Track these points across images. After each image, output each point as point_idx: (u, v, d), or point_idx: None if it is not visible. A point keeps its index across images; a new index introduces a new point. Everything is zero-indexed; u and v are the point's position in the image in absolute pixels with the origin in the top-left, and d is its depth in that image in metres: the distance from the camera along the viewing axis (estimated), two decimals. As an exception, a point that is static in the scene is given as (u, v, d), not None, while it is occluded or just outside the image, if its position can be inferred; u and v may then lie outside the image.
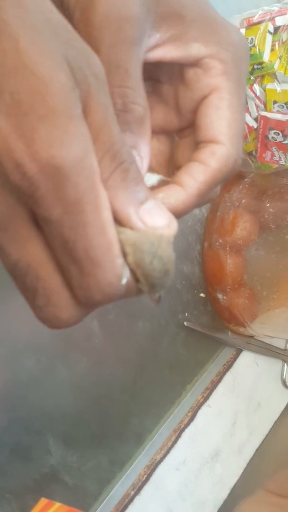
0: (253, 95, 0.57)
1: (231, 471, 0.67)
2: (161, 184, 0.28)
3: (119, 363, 0.58)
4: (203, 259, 0.66)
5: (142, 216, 0.24)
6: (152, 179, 0.29)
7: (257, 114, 0.58)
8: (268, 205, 0.64)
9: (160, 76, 0.31)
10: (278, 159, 0.61)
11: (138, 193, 0.24)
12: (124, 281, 0.23)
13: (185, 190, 0.27)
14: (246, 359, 0.70)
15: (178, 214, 0.27)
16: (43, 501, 0.40)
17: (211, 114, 0.28)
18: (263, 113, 0.58)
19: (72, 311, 0.24)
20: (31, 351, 0.50)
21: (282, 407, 0.73)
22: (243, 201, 0.65)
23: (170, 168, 0.32)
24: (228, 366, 0.69)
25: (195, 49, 0.27)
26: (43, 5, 0.21)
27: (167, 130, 0.32)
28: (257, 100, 0.57)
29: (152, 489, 0.59)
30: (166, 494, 0.61)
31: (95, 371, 0.56)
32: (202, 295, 0.67)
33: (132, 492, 0.58)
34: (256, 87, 0.56)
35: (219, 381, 0.67)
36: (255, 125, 0.59)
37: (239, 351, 0.70)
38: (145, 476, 0.59)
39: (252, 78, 0.56)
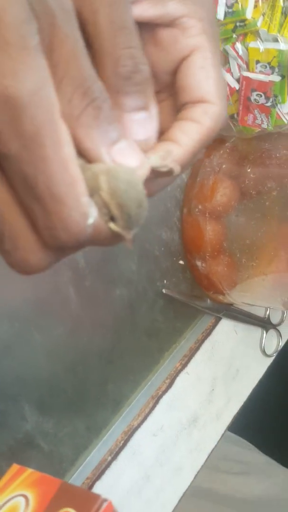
0: (235, 54, 0.55)
1: (208, 437, 0.67)
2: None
3: (96, 330, 0.57)
4: (182, 226, 0.65)
5: (113, 156, 0.23)
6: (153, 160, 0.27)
7: (239, 74, 0.57)
8: (249, 170, 0.63)
9: None
10: (260, 123, 0.60)
11: (110, 133, 0.23)
12: (90, 220, 0.23)
13: (181, 147, 0.27)
14: (225, 327, 0.70)
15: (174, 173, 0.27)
16: (14, 467, 0.39)
17: (197, 74, 0.27)
18: (246, 74, 0.56)
19: (40, 255, 0.23)
20: (4, 316, 0.49)
21: (260, 374, 0.73)
22: (224, 166, 0.64)
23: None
24: (207, 333, 0.69)
25: (172, 7, 0.26)
26: None
27: None
28: (239, 60, 0.56)
29: (129, 455, 0.59)
30: (144, 459, 0.61)
31: (72, 338, 0.55)
32: (181, 262, 0.66)
33: (109, 458, 0.58)
34: (239, 45, 0.55)
35: (197, 348, 0.67)
36: (237, 86, 0.57)
37: (218, 319, 0.70)
38: (122, 442, 0.59)
39: (234, 36, 0.54)
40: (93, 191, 0.23)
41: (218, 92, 0.27)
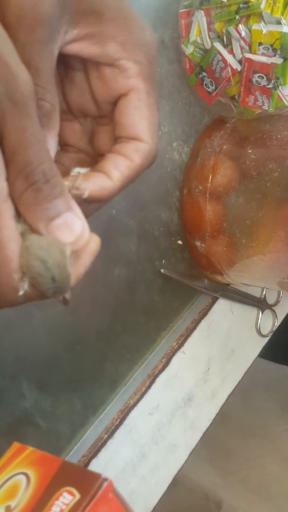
0: (238, 36, 0.54)
1: (203, 416, 0.68)
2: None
3: (94, 309, 0.57)
4: (182, 206, 0.65)
5: (51, 232, 0.26)
6: (82, 171, 0.31)
7: (241, 56, 0.56)
8: (250, 151, 0.62)
9: (75, 65, 0.31)
10: (261, 104, 0.59)
11: (49, 210, 0.25)
12: (21, 292, 0.25)
13: (112, 180, 0.29)
14: (222, 307, 0.70)
15: (104, 200, 0.30)
16: (15, 445, 0.40)
17: (132, 114, 0.30)
18: (248, 55, 0.55)
19: None
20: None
21: (255, 354, 0.74)
22: (224, 147, 0.63)
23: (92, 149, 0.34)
24: (204, 313, 0.69)
25: (112, 49, 0.28)
26: None
27: (87, 114, 0.33)
28: (241, 42, 0.55)
29: (125, 433, 0.60)
30: (139, 437, 0.61)
31: (70, 317, 0.55)
32: (179, 242, 0.66)
33: (105, 436, 0.58)
34: (241, 27, 0.54)
35: (194, 328, 0.68)
36: (238, 67, 0.57)
37: (214, 299, 0.70)
38: (118, 420, 0.60)
39: (237, 17, 0.53)
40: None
41: (150, 131, 0.30)
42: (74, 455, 0.56)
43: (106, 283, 0.58)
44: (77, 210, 0.27)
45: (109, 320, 0.59)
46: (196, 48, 0.58)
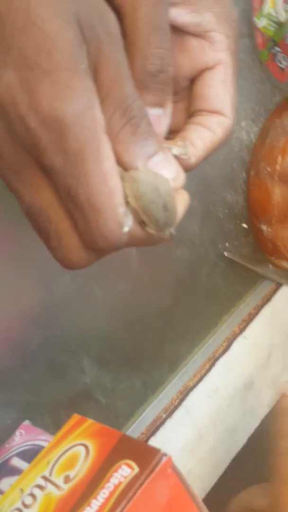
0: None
1: (263, 403, 0.67)
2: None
3: (156, 289, 0.57)
4: (249, 188, 0.64)
5: (150, 169, 0.25)
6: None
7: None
8: None
9: None
10: None
11: (147, 147, 0.25)
12: (126, 229, 0.25)
13: (196, 149, 0.29)
14: (286, 294, 0.69)
15: (187, 170, 0.29)
16: (75, 417, 0.40)
17: (217, 88, 0.29)
18: None
19: (81, 254, 0.26)
20: (67, 272, 0.49)
21: None
22: (295, 127, 0.61)
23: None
24: (267, 299, 0.68)
25: (206, 20, 0.28)
26: None
27: None
28: None
29: (184, 414, 0.60)
30: (198, 419, 0.61)
31: (131, 296, 0.55)
32: (244, 225, 0.65)
33: (164, 415, 0.58)
34: None
35: (256, 314, 0.66)
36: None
37: (279, 286, 0.68)
38: (177, 401, 0.60)
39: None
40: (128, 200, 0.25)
41: (232, 107, 0.30)
42: (132, 433, 0.57)
43: (167, 264, 0.57)
44: (168, 149, 0.27)
45: (170, 301, 0.59)
46: (269, 21, 0.56)
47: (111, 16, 0.23)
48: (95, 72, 0.23)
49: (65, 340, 0.51)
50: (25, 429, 0.47)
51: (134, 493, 0.34)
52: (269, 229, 0.63)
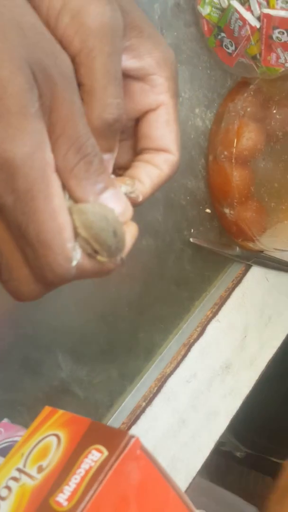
0: (254, -9, 0.53)
1: (243, 383, 0.68)
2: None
3: (124, 280, 0.58)
4: (208, 173, 0.65)
5: (100, 203, 0.26)
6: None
7: (259, 12, 0.55)
8: (274, 111, 0.61)
9: None
10: (284, 62, 0.58)
11: (98, 184, 0.26)
12: (74, 262, 0.25)
13: (144, 186, 0.31)
14: (256, 274, 0.70)
15: (135, 205, 0.30)
16: (47, 409, 0.41)
17: (161, 128, 0.31)
18: (266, 11, 0.54)
19: (31, 287, 0.26)
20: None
21: (294, 320, 0.73)
22: (248, 109, 0.62)
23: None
24: (237, 281, 0.69)
25: (147, 64, 0.30)
26: (15, 10, 0.23)
27: None
28: (258, -3, 0.54)
29: (164, 401, 0.61)
30: (178, 405, 0.62)
31: (100, 289, 0.56)
32: (208, 210, 0.65)
33: (144, 404, 0.59)
34: (257, -19, 0.53)
35: (228, 296, 0.67)
36: (257, 25, 0.55)
37: (248, 267, 0.70)
38: (155, 388, 0.60)
39: (252, -29, 0.52)
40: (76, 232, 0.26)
41: (177, 144, 0.31)
42: (113, 423, 0.57)
43: (134, 254, 0.58)
44: (118, 185, 0.28)
45: (139, 291, 0.59)
46: (213, 8, 0.57)
47: (64, 58, 0.24)
48: (50, 112, 0.24)
49: (38, 337, 0.52)
50: (4, 427, 0.48)
51: (105, 476, 0.34)
52: (232, 212, 0.64)
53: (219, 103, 0.64)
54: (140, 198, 0.31)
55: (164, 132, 0.31)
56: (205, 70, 0.61)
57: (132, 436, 0.36)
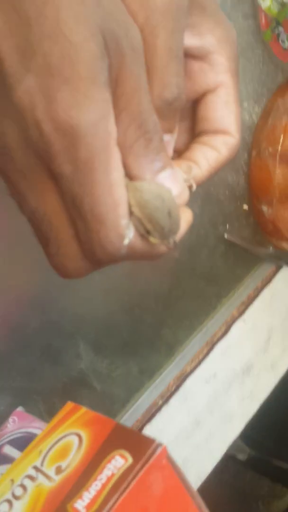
0: None
1: (261, 387, 0.66)
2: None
3: (154, 272, 0.56)
4: (250, 169, 0.62)
5: (157, 182, 0.26)
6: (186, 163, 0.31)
7: None
8: None
9: None
10: None
11: (157, 162, 0.25)
12: (126, 241, 0.25)
13: (200, 169, 0.30)
14: (286, 275, 0.67)
15: (190, 189, 0.30)
16: (69, 404, 0.39)
17: (221, 109, 0.30)
18: None
19: (78, 263, 0.26)
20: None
21: None
22: (299, 106, 0.59)
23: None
24: (267, 281, 0.66)
25: (209, 42, 0.29)
26: None
27: None
28: None
29: (181, 400, 0.59)
30: (195, 405, 0.60)
31: (130, 279, 0.54)
32: (245, 207, 0.63)
33: (160, 402, 0.58)
34: None
35: (256, 296, 0.65)
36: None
37: (279, 267, 0.67)
38: (174, 387, 0.59)
39: None
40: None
41: (238, 125, 0.30)
42: (128, 420, 0.56)
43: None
44: (176, 167, 0.27)
45: (168, 284, 0.57)
46: (273, 2, 0.54)
47: (136, 32, 0.24)
48: (115, 85, 0.23)
49: (62, 324, 0.50)
50: (18, 415, 0.46)
51: (128, 486, 0.33)
52: (270, 210, 0.61)
53: (268, 99, 0.61)
54: (194, 188, 0.29)
55: (223, 113, 0.30)
56: (257, 64, 0.58)
57: (159, 444, 0.34)
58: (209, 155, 0.30)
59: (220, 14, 0.29)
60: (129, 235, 0.25)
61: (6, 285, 0.44)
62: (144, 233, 0.25)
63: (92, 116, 0.22)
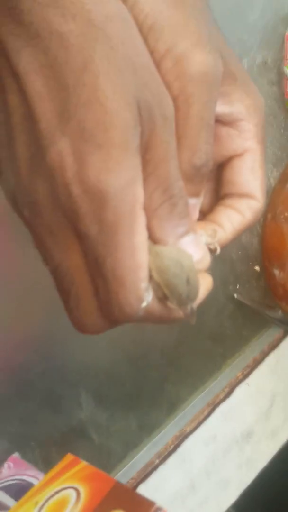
0: None
1: (261, 455, 0.64)
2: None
3: (162, 326, 0.55)
4: (264, 231, 0.62)
5: (179, 247, 0.26)
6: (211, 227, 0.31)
7: None
8: None
9: None
10: None
11: (180, 227, 0.26)
12: (144, 304, 0.25)
13: (225, 232, 0.30)
14: (293, 342, 0.67)
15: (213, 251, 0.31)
16: (68, 457, 0.38)
17: (247, 174, 0.31)
18: None
19: (96, 320, 0.26)
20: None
21: None
22: None
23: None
24: (273, 346, 0.65)
25: (237, 110, 0.30)
26: (132, 49, 0.23)
27: None
28: None
29: (178, 461, 0.57)
30: (191, 467, 0.58)
31: (136, 331, 0.53)
32: (256, 268, 0.63)
33: (157, 461, 0.56)
34: None
35: (261, 360, 0.64)
36: None
37: (286, 332, 0.66)
38: (172, 446, 0.57)
39: None
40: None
41: (262, 191, 0.31)
42: (123, 476, 0.54)
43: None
44: (200, 232, 0.28)
45: (175, 339, 0.57)
46: (298, 72, 0.55)
47: (169, 102, 0.25)
48: (145, 150, 0.24)
49: (65, 371, 0.49)
50: (14, 461, 0.45)
51: None
52: (282, 274, 0.61)
53: (287, 163, 0.62)
54: (219, 251, 0.29)
55: (249, 178, 0.31)
56: (278, 129, 0.59)
57: (159, 508, 0.33)
58: (234, 218, 0.31)
59: (250, 83, 0.30)
60: (147, 298, 0.25)
61: (13, 328, 0.44)
62: (162, 298, 0.25)
63: (121, 181, 0.22)
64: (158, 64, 0.26)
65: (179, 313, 0.26)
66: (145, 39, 0.25)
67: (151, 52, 0.25)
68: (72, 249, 0.25)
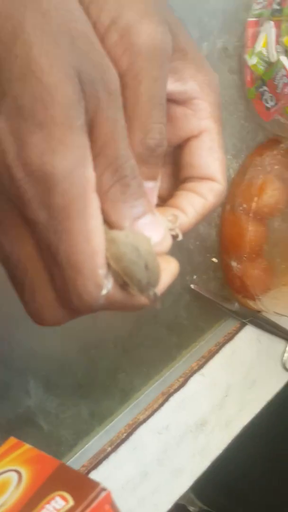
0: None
1: (214, 444, 0.64)
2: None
3: (116, 315, 0.55)
4: (222, 223, 0.63)
5: (136, 230, 0.25)
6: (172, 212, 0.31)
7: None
8: (301, 175, 0.60)
9: None
10: None
11: (135, 208, 0.25)
12: (104, 291, 0.24)
13: (187, 216, 0.29)
14: (249, 334, 0.67)
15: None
16: (11, 440, 0.37)
17: (205, 155, 0.30)
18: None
19: (54, 311, 0.25)
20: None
21: (277, 388, 0.70)
22: (276, 167, 0.60)
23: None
24: (229, 338, 0.66)
25: (191, 87, 0.28)
26: (67, 15, 0.21)
27: None
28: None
29: (130, 449, 0.57)
30: (144, 456, 0.58)
31: (90, 319, 0.52)
32: (214, 259, 0.63)
33: (109, 449, 0.55)
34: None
35: (217, 351, 0.64)
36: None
37: (242, 325, 0.67)
38: (124, 435, 0.57)
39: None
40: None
41: (223, 172, 0.30)
42: (73, 464, 0.53)
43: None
44: (158, 214, 0.26)
45: (130, 328, 0.56)
46: (260, 60, 0.55)
47: (112, 74, 0.23)
48: (91, 129, 0.22)
49: (13, 357, 0.48)
50: None
51: (65, 530, 0.31)
52: (239, 266, 0.61)
53: (247, 155, 0.62)
54: (180, 237, 0.29)
55: (208, 160, 0.30)
56: (239, 119, 0.60)
57: (103, 489, 0.33)
58: (196, 202, 0.30)
59: (202, 58, 0.29)
60: (107, 286, 0.24)
61: None
62: (123, 285, 0.24)
63: (68, 162, 0.21)
64: (102, 37, 0.24)
65: (142, 299, 0.25)
66: (87, 9, 0.23)
67: (94, 24, 0.24)
68: (22, 237, 0.23)
